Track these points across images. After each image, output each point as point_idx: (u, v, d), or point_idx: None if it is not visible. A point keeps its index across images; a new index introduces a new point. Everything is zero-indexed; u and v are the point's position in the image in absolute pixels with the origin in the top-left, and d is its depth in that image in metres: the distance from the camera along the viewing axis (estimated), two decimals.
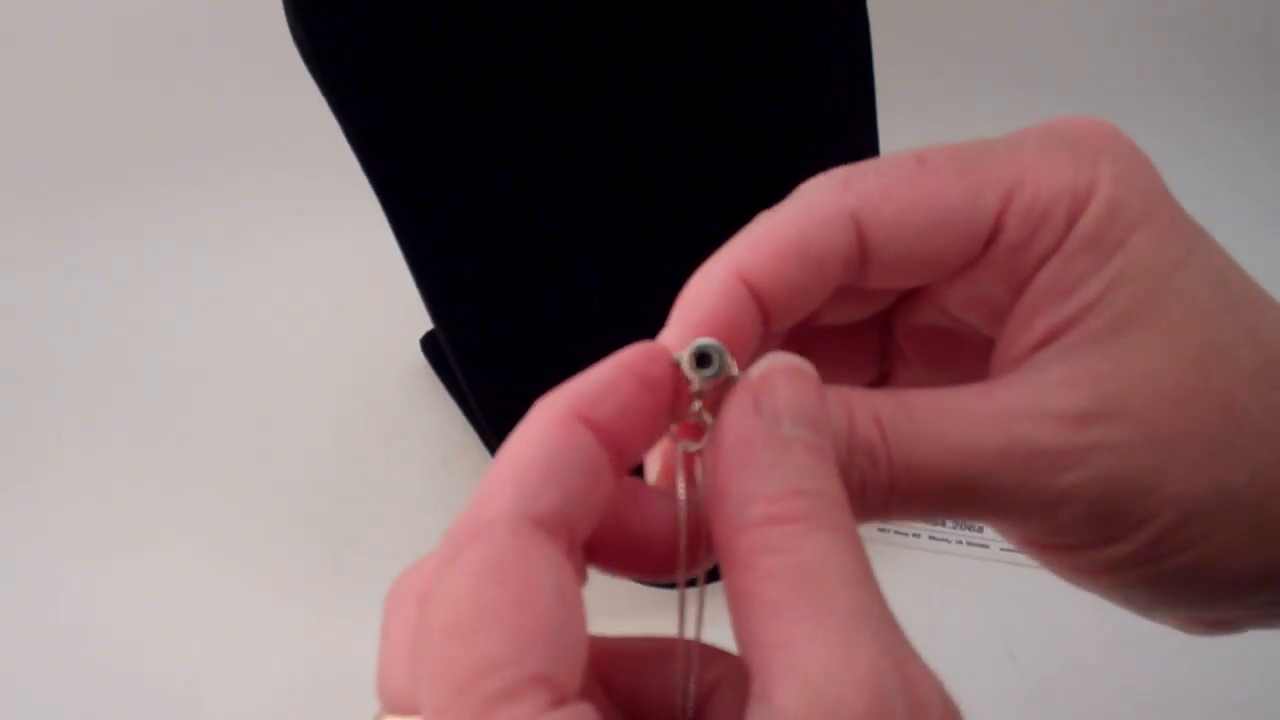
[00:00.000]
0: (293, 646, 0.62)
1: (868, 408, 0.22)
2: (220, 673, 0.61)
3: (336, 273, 0.84)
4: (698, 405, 0.22)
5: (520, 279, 0.57)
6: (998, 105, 0.93)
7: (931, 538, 0.62)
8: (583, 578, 0.21)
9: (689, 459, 0.22)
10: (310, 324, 0.81)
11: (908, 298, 0.27)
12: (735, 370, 0.22)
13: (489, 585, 0.18)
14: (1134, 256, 0.23)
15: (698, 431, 0.22)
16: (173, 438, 0.74)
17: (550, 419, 0.21)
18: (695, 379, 0.22)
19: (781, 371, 0.21)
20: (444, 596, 0.18)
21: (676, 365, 0.22)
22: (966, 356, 0.27)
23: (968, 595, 0.59)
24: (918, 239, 0.23)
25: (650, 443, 0.22)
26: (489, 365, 0.59)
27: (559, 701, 0.18)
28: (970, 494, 0.22)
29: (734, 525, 0.20)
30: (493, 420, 0.63)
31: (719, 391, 0.22)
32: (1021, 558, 0.61)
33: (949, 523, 0.63)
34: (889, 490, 0.22)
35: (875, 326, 0.28)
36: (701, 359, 0.22)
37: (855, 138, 0.60)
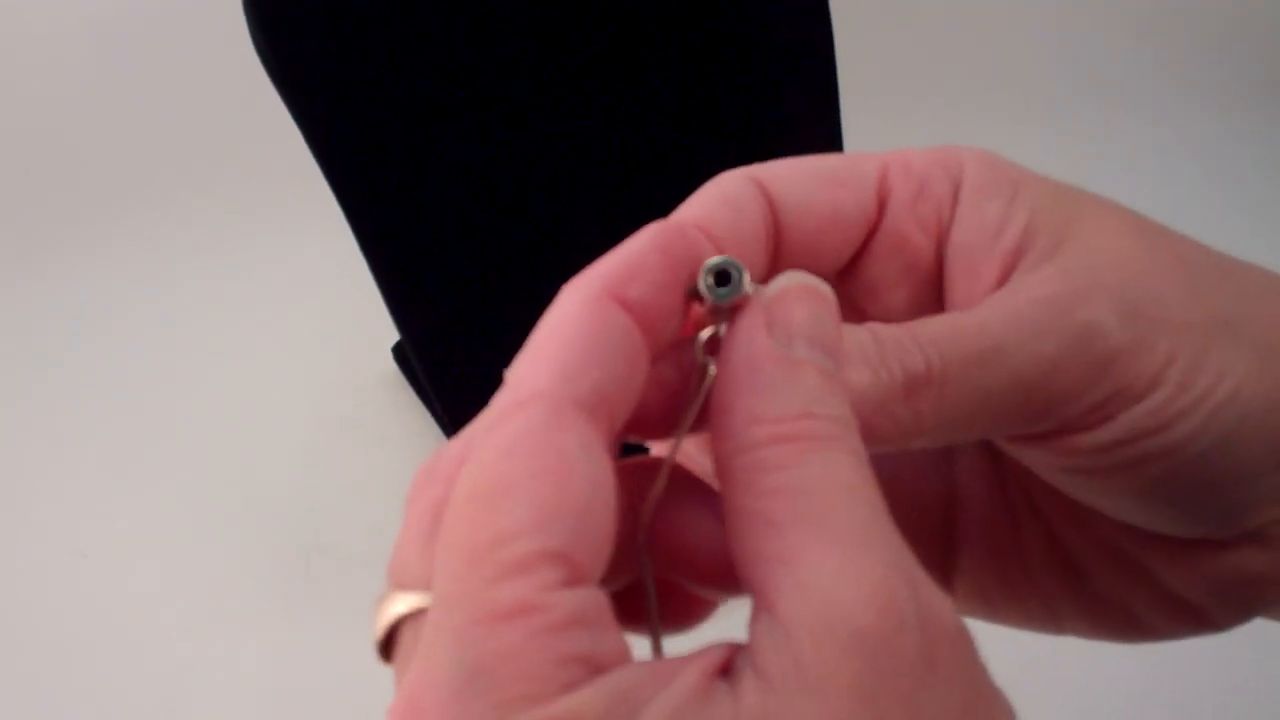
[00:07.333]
0: (265, 654, 0.62)
1: (880, 325, 0.22)
2: (192, 681, 0.61)
3: (308, 281, 0.84)
4: (712, 330, 0.21)
5: (485, 287, 0.57)
6: (974, 115, 0.94)
7: None
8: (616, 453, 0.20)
9: (704, 374, 0.21)
10: (282, 332, 0.81)
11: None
12: (751, 288, 0.21)
13: (520, 457, 0.18)
14: (1038, 194, 0.24)
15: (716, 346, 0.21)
16: (145, 447, 0.74)
17: (585, 299, 0.20)
18: (711, 296, 0.21)
19: (798, 291, 0.21)
20: (473, 465, 0.18)
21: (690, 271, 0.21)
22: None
23: None
24: (815, 194, 0.24)
25: (674, 323, 0.21)
26: (455, 374, 0.60)
27: (573, 581, 0.17)
28: (1002, 365, 0.22)
29: (737, 445, 0.19)
30: (461, 428, 0.63)
31: (733, 311, 0.21)
32: None
33: None
34: (925, 374, 0.21)
35: None
36: (721, 277, 0.21)
37: (820, 140, 0.61)
